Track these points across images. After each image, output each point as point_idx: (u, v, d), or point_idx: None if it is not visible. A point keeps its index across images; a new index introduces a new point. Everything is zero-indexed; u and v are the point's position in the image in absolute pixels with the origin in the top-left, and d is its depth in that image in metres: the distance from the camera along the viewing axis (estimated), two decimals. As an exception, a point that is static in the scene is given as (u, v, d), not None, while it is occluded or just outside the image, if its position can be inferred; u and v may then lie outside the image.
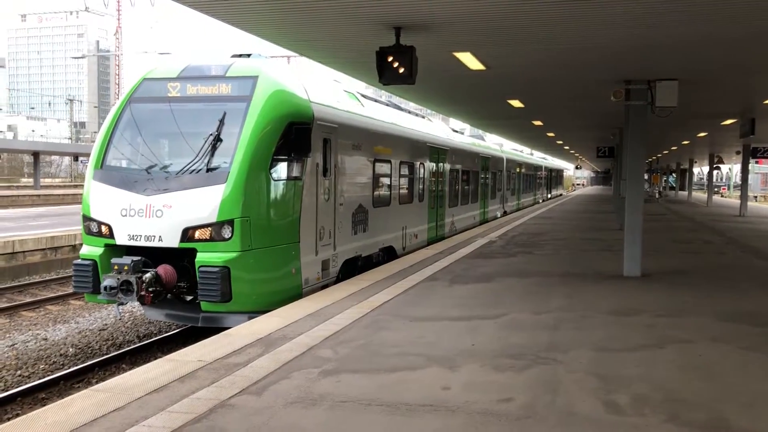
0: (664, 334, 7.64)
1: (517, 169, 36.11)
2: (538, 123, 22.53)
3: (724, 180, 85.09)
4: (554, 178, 61.99)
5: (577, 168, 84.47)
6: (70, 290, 14.75)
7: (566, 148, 41.05)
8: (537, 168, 46.77)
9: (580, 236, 19.57)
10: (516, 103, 16.31)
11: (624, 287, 10.89)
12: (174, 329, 11.50)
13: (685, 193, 56.81)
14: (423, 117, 19.57)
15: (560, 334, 7.63)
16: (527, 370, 6.22)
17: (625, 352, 6.87)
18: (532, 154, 48.62)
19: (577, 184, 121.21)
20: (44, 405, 8.05)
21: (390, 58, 8.32)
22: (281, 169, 9.79)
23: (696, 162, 53.04)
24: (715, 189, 54.02)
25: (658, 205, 40.75)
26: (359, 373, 6.03)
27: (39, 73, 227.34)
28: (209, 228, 9.05)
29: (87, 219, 9.65)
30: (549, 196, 56.20)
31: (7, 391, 8.55)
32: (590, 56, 9.98)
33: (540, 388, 5.69)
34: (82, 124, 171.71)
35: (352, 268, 12.52)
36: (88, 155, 63.69)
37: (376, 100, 15.31)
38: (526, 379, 5.95)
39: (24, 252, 17.75)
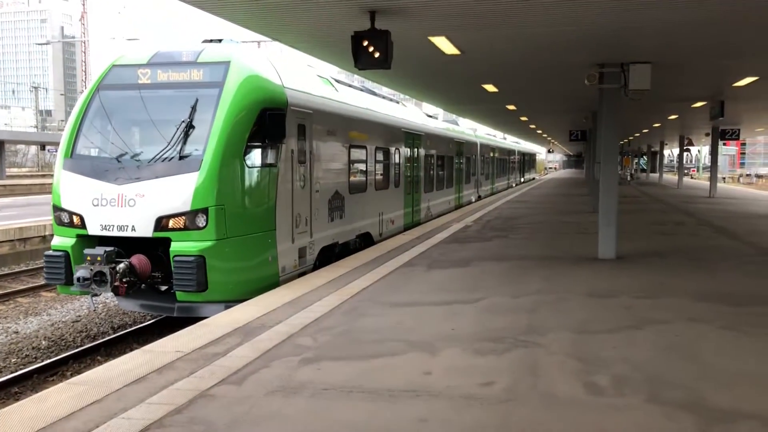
0: (641, 316, 7.72)
1: (491, 154, 36.24)
2: (511, 107, 22.59)
3: (693, 162, 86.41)
4: (527, 162, 62.37)
5: (549, 152, 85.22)
6: (41, 282, 14.48)
7: (539, 132, 41.30)
8: (510, 152, 46.99)
9: (555, 219, 19.72)
10: (490, 88, 16.31)
11: (600, 269, 10.99)
12: (149, 320, 11.35)
13: (656, 175, 57.58)
14: (397, 102, 19.50)
15: (539, 316, 7.67)
16: (508, 353, 6.24)
17: (603, 334, 6.93)
18: (505, 139, 48.82)
19: (550, 168, 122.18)
20: (18, 399, 7.90)
21: (365, 43, 8.22)
22: (255, 156, 9.67)
23: (666, 144, 53.75)
24: (685, 171, 54.80)
25: (630, 187, 41.24)
26: (340, 361, 5.99)
27: (0, 60, 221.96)
28: (183, 217, 8.91)
29: (57, 209, 9.44)
30: (522, 180, 56.56)
31: (-22, 386, 8.37)
32: (564, 39, 9.98)
33: (521, 371, 5.71)
34: (48, 113, 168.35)
35: (329, 255, 12.46)
36: (55, 144, 62.50)
37: (350, 86, 15.19)
38: (506, 362, 5.96)
39: (-8, 244, 17.37)
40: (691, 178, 71.72)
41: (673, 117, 26.38)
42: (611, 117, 12.40)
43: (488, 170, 35.56)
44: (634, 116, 25.84)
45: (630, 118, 26.91)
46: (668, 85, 15.41)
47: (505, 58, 11.92)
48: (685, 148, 42.66)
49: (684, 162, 46.71)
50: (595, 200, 18.00)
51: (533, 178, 67.85)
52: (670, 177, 59.61)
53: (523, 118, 28.90)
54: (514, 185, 48.87)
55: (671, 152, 77.47)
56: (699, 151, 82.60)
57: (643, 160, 70.68)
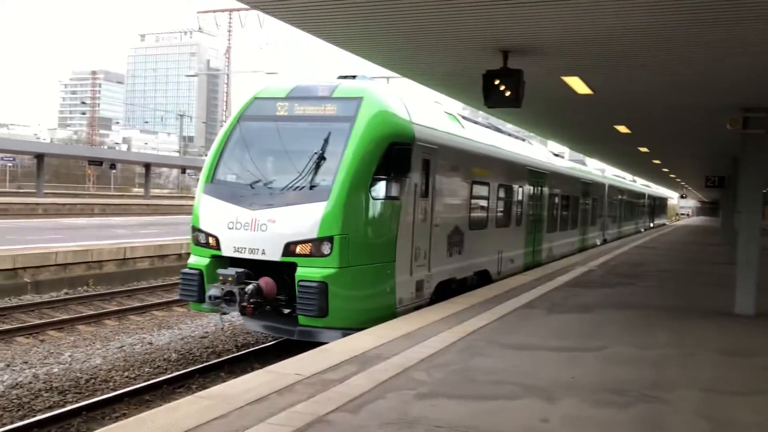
0: (782, 380, 7.12)
1: (619, 196, 34.94)
2: (644, 150, 21.75)
3: None
4: (658, 206, 59.55)
5: (682, 197, 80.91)
6: (175, 297, 15.42)
7: (672, 176, 39.39)
8: (640, 195, 45.08)
9: (686, 269, 18.65)
10: (622, 129, 15.82)
11: (736, 325, 10.26)
12: (270, 341, 11.78)
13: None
14: (522, 139, 19.30)
15: (665, 371, 7.26)
16: (630, 407, 5.95)
17: (738, 396, 6.46)
18: (635, 181, 46.93)
19: (682, 214, 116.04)
20: (149, 407, 8.42)
21: (496, 82, 8.27)
22: (380, 189, 9.89)
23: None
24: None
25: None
26: (455, 399, 5.95)
27: (154, 89, 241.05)
28: (310, 243, 9.24)
29: (196, 230, 10.07)
30: (652, 225, 53.99)
31: (116, 390, 9.01)
32: (707, 81, 9.56)
33: (644, 427, 5.42)
34: (190, 139, 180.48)
35: (446, 290, 12.43)
36: (194, 168, 66.83)
37: (475, 122, 15.24)
38: (629, 416, 5.69)
39: (134, 258, 18.75)
40: None
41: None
42: (755, 164, 11.65)
43: (616, 213, 34.26)
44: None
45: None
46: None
47: (640, 99, 11.55)
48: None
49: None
50: (732, 251, 16.87)
51: (663, 224, 64.61)
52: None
53: (656, 161, 27.71)
54: (642, 230, 46.72)
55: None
56: None
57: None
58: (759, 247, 11.59)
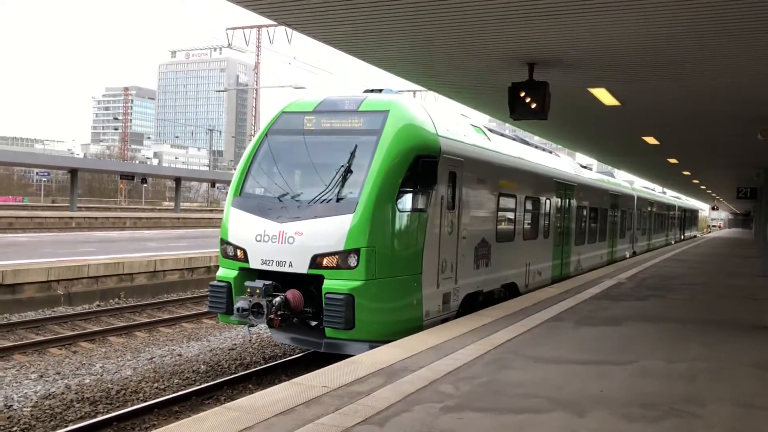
0: (818, 395, 6.96)
1: (649, 208, 34.51)
2: (673, 161, 21.51)
3: None
4: (688, 218, 58.62)
5: (713, 209, 79.57)
6: (204, 309, 15.59)
7: (702, 187, 38.83)
8: (669, 207, 44.46)
9: (718, 281, 18.32)
10: (651, 140, 15.68)
11: (770, 340, 10.05)
12: (298, 353, 11.84)
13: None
14: (550, 152, 19.20)
15: (697, 385, 7.14)
16: (661, 421, 5.86)
17: (772, 411, 6.32)
18: (664, 193, 46.30)
19: (713, 226, 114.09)
20: (177, 417, 8.52)
21: (522, 94, 8.28)
22: (407, 201, 9.92)
23: None
24: None
25: (807, 251, 37.43)
26: (482, 412, 5.93)
27: (184, 104, 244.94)
28: (336, 256, 9.29)
29: (224, 243, 10.19)
30: (682, 237, 53.17)
31: (146, 401, 9.12)
32: (734, 92, 9.45)
33: (675, 442, 5.34)
34: (220, 153, 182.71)
35: (473, 303, 12.38)
36: (223, 182, 67.62)
37: (502, 134, 15.21)
38: (659, 431, 5.61)
39: (164, 271, 18.99)
40: None
41: None
42: (788, 175, 11.45)
43: (645, 225, 33.83)
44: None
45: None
46: None
47: (669, 110, 11.45)
48: None
49: None
50: (766, 263, 16.54)
51: (694, 236, 63.57)
52: None
53: (686, 173, 27.36)
54: (673, 242, 46.03)
55: None
56: None
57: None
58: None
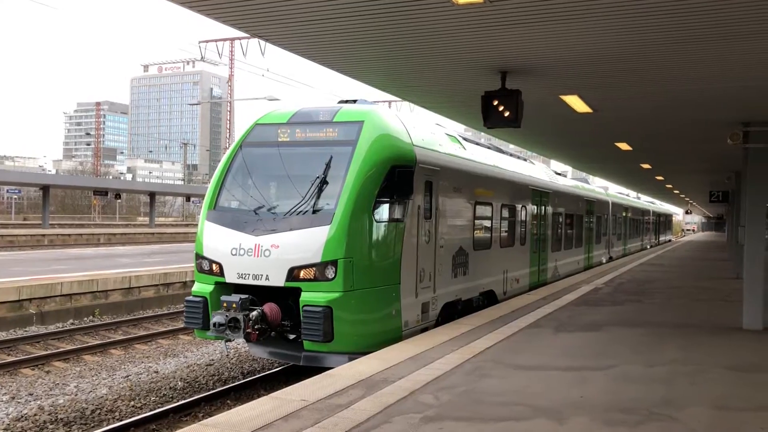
0: (793, 395, 7.04)
1: (623, 214, 34.89)
2: (646, 166, 21.76)
3: None
4: (662, 223, 59.41)
5: (687, 213, 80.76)
6: (180, 325, 15.38)
7: (676, 192, 39.36)
8: (644, 212, 45.00)
9: (693, 285, 18.54)
10: (623, 146, 15.85)
11: (744, 341, 10.17)
12: (276, 367, 11.72)
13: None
14: (525, 159, 19.34)
15: (675, 388, 7.19)
16: (640, 426, 5.88)
17: (749, 412, 6.38)
18: (639, 198, 46.89)
19: (687, 230, 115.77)
20: (155, 436, 8.36)
21: (495, 102, 8.32)
22: (383, 211, 9.90)
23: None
24: None
25: (779, 253, 38.08)
26: (462, 421, 5.90)
27: (157, 118, 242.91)
28: (314, 268, 9.22)
29: (199, 257, 10.07)
30: (657, 241, 53.82)
31: (122, 420, 8.95)
32: (705, 98, 9.59)
33: (655, 446, 5.35)
34: (194, 167, 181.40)
35: (452, 312, 12.38)
36: (198, 196, 67.11)
37: (477, 143, 15.29)
38: (639, 436, 5.62)
39: (139, 287, 18.74)
40: None
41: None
42: (757, 178, 11.62)
43: (620, 230, 34.18)
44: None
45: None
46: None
47: (641, 116, 11.59)
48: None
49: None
50: (739, 266, 16.77)
51: (669, 240, 64.40)
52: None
53: (659, 178, 27.71)
54: (648, 247, 46.57)
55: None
56: None
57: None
58: (763, 261, 11.53)
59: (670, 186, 33.78)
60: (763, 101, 9.73)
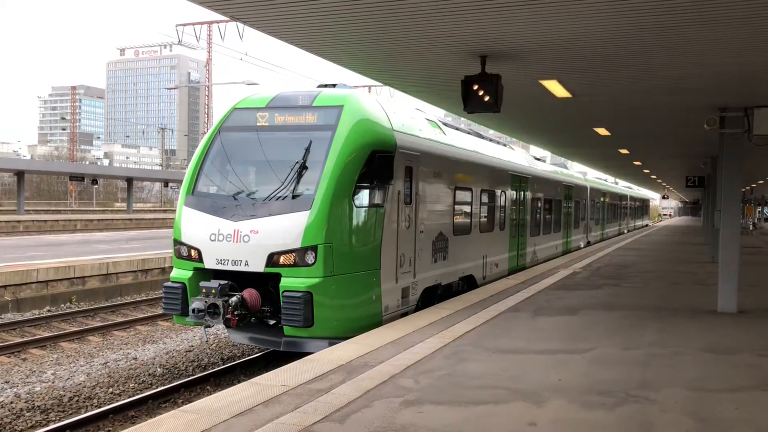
0: (767, 375, 7.17)
1: (602, 199, 35.19)
2: (624, 151, 21.93)
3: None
4: (640, 208, 60.03)
5: (663, 198, 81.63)
6: (159, 311, 15.28)
7: (653, 177, 39.74)
8: (622, 197, 45.43)
9: (670, 269, 18.78)
10: (602, 131, 15.94)
11: (719, 323, 10.33)
12: (256, 353, 11.69)
13: (783, 225, 53.73)
14: (504, 145, 19.39)
15: (652, 371, 7.29)
16: (618, 408, 5.96)
17: (724, 393, 6.49)
18: (617, 183, 47.31)
19: (664, 215, 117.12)
20: (134, 422, 8.32)
21: (475, 87, 8.30)
22: (363, 197, 9.88)
23: (795, 192, 50.20)
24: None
25: (752, 237, 38.73)
26: (442, 405, 5.93)
27: (134, 103, 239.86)
28: (293, 253, 9.19)
29: (178, 243, 9.98)
30: (634, 226, 54.41)
31: (100, 407, 8.88)
32: (685, 83, 9.65)
33: (632, 428, 5.43)
34: (173, 152, 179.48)
35: (432, 296, 12.43)
36: (177, 182, 66.49)
37: (457, 128, 15.29)
38: (616, 417, 5.69)
39: (117, 273, 18.56)
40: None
41: (803, 163, 24.68)
42: (733, 163, 11.77)
43: (598, 215, 34.49)
44: (758, 162, 24.37)
45: (753, 164, 25.41)
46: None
47: (619, 102, 11.65)
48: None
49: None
50: (714, 250, 17.02)
51: (646, 225, 65.12)
52: (800, 227, 55.45)
53: (637, 163, 27.94)
54: (625, 231, 47.06)
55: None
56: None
57: (768, 209, 66.25)
58: (739, 245, 11.70)
59: (647, 171, 34.11)
60: (739, 87, 9.82)
